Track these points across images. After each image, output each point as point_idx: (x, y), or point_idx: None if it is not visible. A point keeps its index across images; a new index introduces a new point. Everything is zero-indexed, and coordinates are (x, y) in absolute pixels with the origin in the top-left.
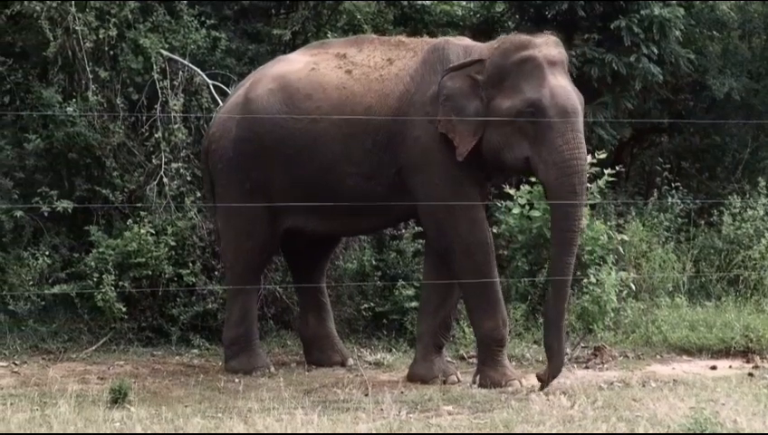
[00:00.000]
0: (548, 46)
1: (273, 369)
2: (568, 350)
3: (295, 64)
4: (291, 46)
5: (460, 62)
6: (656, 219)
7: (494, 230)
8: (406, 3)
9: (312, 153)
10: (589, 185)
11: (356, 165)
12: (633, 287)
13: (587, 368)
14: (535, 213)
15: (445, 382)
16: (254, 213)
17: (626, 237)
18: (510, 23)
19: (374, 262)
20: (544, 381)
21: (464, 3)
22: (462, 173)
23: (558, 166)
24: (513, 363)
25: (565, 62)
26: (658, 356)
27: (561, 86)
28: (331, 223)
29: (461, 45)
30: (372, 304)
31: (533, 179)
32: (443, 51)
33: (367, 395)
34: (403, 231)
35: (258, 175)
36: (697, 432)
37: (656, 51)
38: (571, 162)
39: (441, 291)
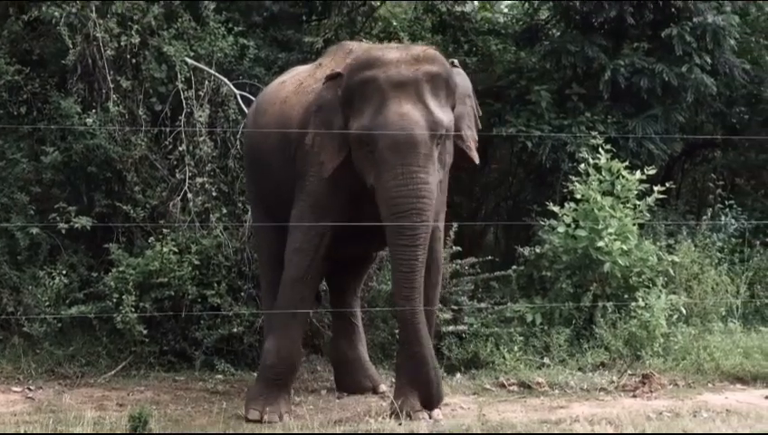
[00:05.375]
0: (399, 65)
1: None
2: (614, 377)
3: (281, 76)
4: (323, 54)
5: (331, 72)
6: (708, 239)
7: (537, 250)
8: (445, 9)
9: (268, 169)
10: (637, 202)
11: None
12: (684, 311)
13: (634, 397)
14: (581, 232)
15: None
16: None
17: (676, 259)
18: (555, 30)
19: None
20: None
21: (506, 10)
22: (324, 192)
23: (386, 204)
24: (557, 392)
25: (423, 82)
26: (710, 385)
27: (399, 114)
28: None
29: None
30: None
31: (579, 196)
32: (346, 58)
33: (400, 424)
34: None
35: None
36: None
37: (709, 61)
38: (397, 201)
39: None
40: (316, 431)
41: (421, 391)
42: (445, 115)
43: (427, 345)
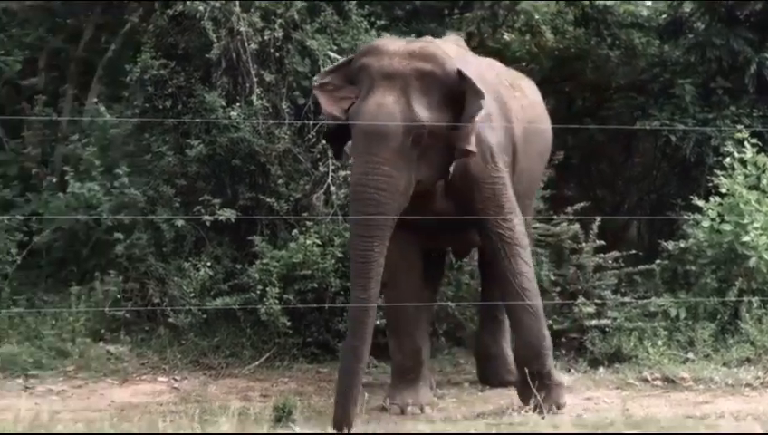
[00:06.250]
0: (393, 57)
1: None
2: (760, 373)
3: None
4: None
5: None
6: None
7: (682, 244)
8: (587, 2)
9: None
10: None
11: None
12: None
13: None
14: (726, 226)
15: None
16: None
17: None
18: (699, 23)
19: (552, 277)
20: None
21: (649, 3)
22: None
23: (350, 190)
24: (701, 387)
25: (412, 78)
26: None
27: (377, 104)
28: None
29: None
30: (550, 321)
31: (724, 190)
32: None
33: (543, 418)
34: (583, 245)
35: None
36: None
37: None
38: (357, 188)
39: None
40: (460, 423)
41: (340, 388)
42: (431, 115)
43: (366, 342)
